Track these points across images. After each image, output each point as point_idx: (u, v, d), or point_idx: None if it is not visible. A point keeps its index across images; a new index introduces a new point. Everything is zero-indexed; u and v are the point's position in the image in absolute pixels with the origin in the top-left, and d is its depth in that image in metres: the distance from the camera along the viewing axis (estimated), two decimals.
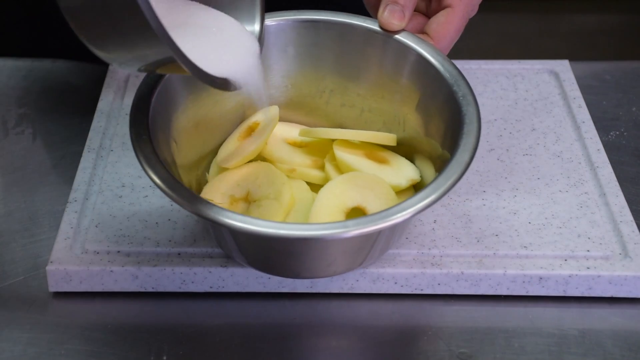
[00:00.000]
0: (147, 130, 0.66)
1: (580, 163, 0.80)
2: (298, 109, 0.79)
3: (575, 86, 0.89)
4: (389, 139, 0.75)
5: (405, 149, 0.76)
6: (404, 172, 0.73)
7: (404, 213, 0.62)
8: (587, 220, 0.74)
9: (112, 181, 0.77)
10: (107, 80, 0.88)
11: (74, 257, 0.70)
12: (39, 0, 0.95)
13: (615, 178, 0.78)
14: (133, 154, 0.79)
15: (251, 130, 0.75)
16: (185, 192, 0.63)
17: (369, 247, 0.67)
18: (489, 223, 0.74)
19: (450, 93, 0.70)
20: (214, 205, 0.62)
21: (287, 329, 0.69)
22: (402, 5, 0.73)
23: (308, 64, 0.77)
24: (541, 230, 0.73)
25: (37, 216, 0.77)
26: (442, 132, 0.71)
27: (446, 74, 0.71)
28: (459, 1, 0.74)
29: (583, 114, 0.86)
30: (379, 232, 0.65)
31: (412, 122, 0.75)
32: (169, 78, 0.70)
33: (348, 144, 0.75)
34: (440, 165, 0.68)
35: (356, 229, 0.61)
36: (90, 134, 0.82)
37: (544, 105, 0.87)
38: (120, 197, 0.75)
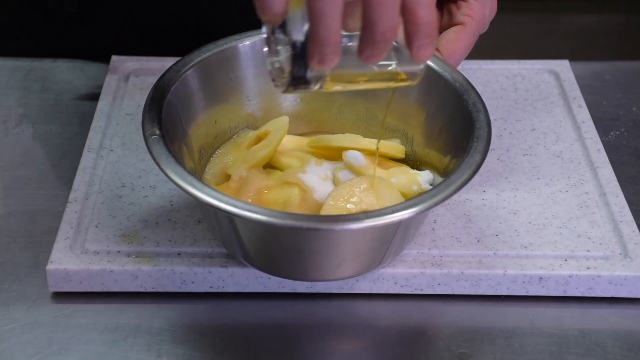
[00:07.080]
0: (160, 127, 0.67)
1: (580, 163, 0.80)
2: (307, 122, 0.79)
3: (575, 86, 0.89)
4: (398, 149, 0.75)
5: (412, 162, 0.76)
6: (414, 178, 0.73)
7: (416, 208, 0.62)
8: (587, 220, 0.74)
9: (112, 181, 0.77)
10: (107, 80, 0.88)
11: (74, 257, 0.70)
12: (39, 0, 0.95)
13: (615, 178, 0.78)
14: (133, 154, 0.79)
15: (259, 140, 0.76)
16: (196, 181, 0.63)
17: (384, 246, 0.66)
18: (489, 223, 0.74)
19: (460, 102, 0.70)
20: (224, 195, 0.62)
21: (287, 329, 0.69)
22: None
23: None
24: (541, 230, 0.73)
25: (37, 216, 0.77)
26: (451, 142, 0.71)
27: (455, 84, 0.71)
28: (471, 19, 0.74)
29: (583, 114, 0.86)
30: (393, 231, 0.65)
31: (420, 136, 0.75)
32: (184, 81, 0.71)
33: (358, 150, 0.74)
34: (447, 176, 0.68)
35: (369, 221, 0.61)
36: (90, 134, 0.82)
37: (544, 105, 0.87)
38: (120, 197, 0.75)
